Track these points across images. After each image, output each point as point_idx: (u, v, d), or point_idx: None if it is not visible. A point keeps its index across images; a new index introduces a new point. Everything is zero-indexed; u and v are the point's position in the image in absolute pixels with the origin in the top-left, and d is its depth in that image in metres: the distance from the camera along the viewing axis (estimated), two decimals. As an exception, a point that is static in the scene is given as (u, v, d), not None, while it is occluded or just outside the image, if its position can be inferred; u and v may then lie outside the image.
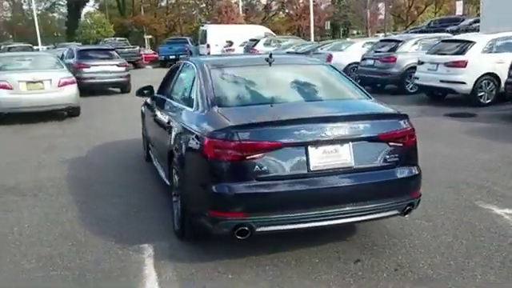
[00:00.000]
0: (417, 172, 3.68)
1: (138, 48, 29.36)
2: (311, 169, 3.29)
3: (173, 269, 3.47)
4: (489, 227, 4.15)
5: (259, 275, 3.37)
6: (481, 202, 4.77)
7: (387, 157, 3.51)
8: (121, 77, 14.96)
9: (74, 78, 10.63)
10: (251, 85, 4.12)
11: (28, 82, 9.79)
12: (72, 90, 10.27)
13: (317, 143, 3.30)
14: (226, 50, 23.57)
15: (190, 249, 3.75)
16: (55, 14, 64.82)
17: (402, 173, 3.57)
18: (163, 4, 57.77)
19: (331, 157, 3.35)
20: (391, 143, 3.51)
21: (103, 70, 14.78)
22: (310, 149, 3.29)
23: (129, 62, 27.98)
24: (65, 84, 10.16)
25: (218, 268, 3.46)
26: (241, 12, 37.75)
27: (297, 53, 17.82)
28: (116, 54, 16.06)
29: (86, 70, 14.58)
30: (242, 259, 3.57)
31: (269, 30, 27.92)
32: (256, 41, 22.29)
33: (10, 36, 57.48)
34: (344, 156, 3.38)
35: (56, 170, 6.20)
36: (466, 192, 5.05)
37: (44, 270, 3.44)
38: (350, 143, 3.39)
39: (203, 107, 3.75)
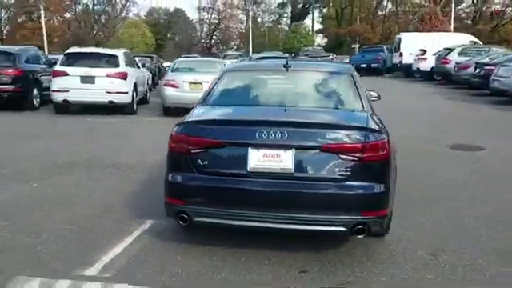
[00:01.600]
0: (377, 191, 3.42)
1: (331, 56, 30.25)
2: (249, 170, 3.43)
3: (146, 242, 4.02)
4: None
5: (201, 262, 3.66)
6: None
7: (336, 169, 3.37)
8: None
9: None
10: (251, 88, 4.39)
11: (190, 83, 11.60)
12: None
13: (258, 146, 3.42)
14: (418, 59, 22.44)
15: (176, 230, 4.22)
16: (283, 26, 71.13)
17: (351, 188, 3.38)
18: (381, 13, 57.56)
19: (272, 161, 3.42)
20: (342, 155, 3.36)
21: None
22: (251, 150, 3.43)
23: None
24: (219, 86, 11.64)
25: (178, 250, 3.89)
26: (452, 19, 34.87)
27: (484, 64, 15.97)
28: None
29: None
30: (204, 247, 3.90)
31: (474, 39, 25.25)
32: (450, 50, 20.58)
33: (243, 45, 65.52)
34: (285, 162, 3.40)
35: (162, 155, 7.35)
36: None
37: (63, 224, 4.41)
38: (294, 150, 3.39)
39: (195, 105, 4.22)
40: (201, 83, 11.55)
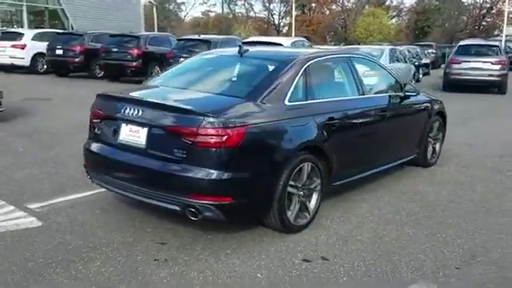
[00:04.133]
0: (213, 177, 3.36)
1: None
2: (118, 141, 3.81)
3: (100, 197, 4.60)
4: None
5: (113, 219, 4.14)
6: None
7: (175, 150, 3.46)
8: (491, 75, 13.63)
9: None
10: (189, 70, 4.70)
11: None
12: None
13: (126, 121, 3.75)
14: None
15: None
16: None
17: (185, 171, 3.39)
18: None
19: (134, 136, 3.71)
20: (180, 138, 3.41)
21: (473, 66, 13.94)
22: (122, 124, 3.79)
23: None
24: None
25: (109, 207, 4.42)
26: None
27: None
28: (499, 50, 14.49)
29: (455, 65, 14.26)
30: (139, 211, 4.26)
31: None
32: None
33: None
34: (141, 138, 3.66)
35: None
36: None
37: (77, 173, 5.35)
38: (147, 128, 3.61)
39: None
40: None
